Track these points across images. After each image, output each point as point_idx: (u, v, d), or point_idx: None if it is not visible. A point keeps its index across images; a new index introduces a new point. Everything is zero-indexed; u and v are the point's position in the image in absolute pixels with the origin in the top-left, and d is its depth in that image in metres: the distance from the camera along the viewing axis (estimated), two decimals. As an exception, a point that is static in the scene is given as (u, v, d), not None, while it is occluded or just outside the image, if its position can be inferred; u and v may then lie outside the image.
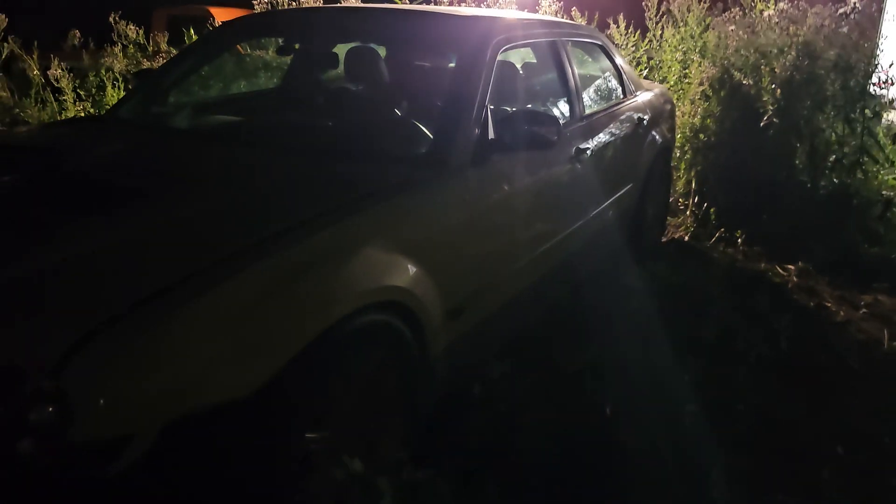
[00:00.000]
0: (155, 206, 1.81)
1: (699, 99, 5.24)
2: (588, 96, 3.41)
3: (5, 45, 5.67)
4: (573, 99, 3.10)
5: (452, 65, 3.00)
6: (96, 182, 1.98)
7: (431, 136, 2.36)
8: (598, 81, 3.73)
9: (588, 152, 3.02)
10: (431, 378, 2.08)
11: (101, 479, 1.34)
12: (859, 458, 2.37)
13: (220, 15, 8.31)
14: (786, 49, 4.93)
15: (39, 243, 1.61)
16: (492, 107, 2.48)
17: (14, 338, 1.36)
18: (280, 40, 3.64)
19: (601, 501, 2.06)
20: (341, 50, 3.15)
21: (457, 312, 2.15)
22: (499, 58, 2.61)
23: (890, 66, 4.70)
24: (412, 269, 1.92)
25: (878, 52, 4.78)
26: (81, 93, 5.51)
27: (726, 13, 5.60)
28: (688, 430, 2.38)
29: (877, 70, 4.75)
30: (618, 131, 3.46)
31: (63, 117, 5.39)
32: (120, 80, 5.57)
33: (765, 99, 4.81)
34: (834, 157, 4.85)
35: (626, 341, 2.76)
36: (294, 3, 5.89)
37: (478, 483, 1.97)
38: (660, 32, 6.10)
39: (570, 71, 3.13)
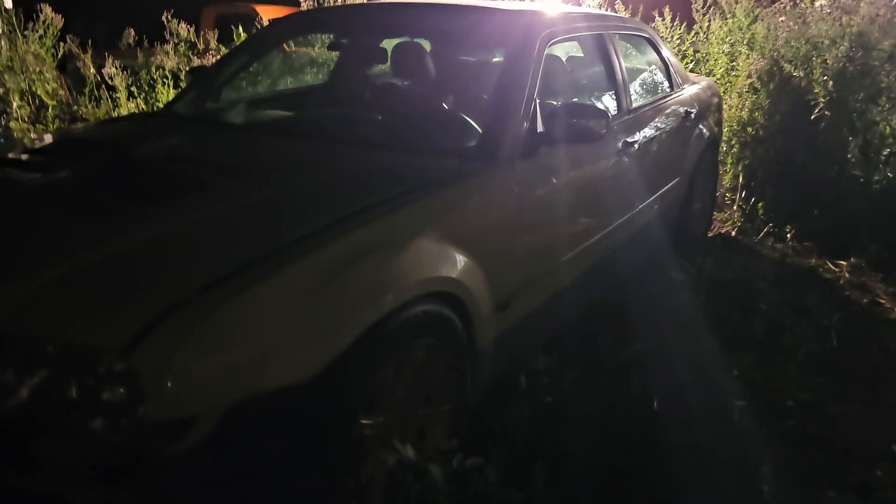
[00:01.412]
0: (216, 195, 1.87)
1: (747, 92, 5.16)
2: (635, 89, 3.39)
3: (62, 44, 5.86)
4: (620, 92, 3.09)
5: (497, 59, 3.03)
6: (159, 173, 2.06)
7: (480, 130, 2.38)
8: (645, 74, 3.71)
9: (635, 146, 3.01)
10: (479, 368, 2.11)
11: (167, 458, 1.40)
12: (913, 457, 2.33)
13: (266, 13, 8.43)
14: (838, 40, 4.82)
15: (109, 231, 1.68)
16: (539, 100, 2.49)
17: (89, 320, 1.42)
18: (328, 37, 3.69)
19: (647, 493, 2.06)
20: (388, 45, 3.19)
21: (505, 304, 2.17)
22: (546, 51, 2.62)
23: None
24: (463, 260, 1.95)
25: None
26: (134, 90, 5.66)
27: (775, 4, 5.49)
28: (736, 425, 2.36)
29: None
30: (664, 125, 3.44)
31: (116, 114, 5.54)
32: (170, 77, 5.70)
33: (816, 91, 4.71)
34: (888, 150, 4.72)
35: (672, 336, 2.75)
36: (340, 1, 5.96)
37: (525, 472, 1.99)
38: (706, 24, 6.01)
39: (616, 64, 3.12)
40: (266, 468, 1.51)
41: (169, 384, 1.35)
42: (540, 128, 2.37)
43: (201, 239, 1.67)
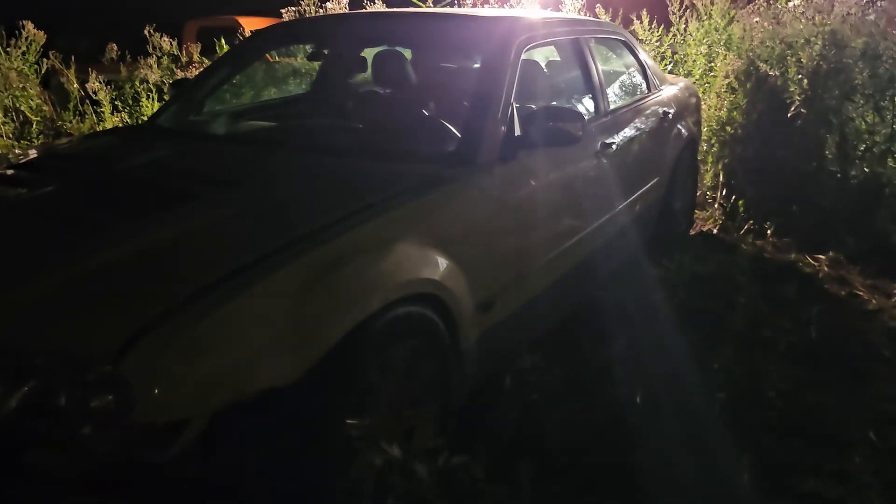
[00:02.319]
0: (200, 206, 1.91)
1: (725, 92, 5.24)
2: (612, 92, 3.46)
3: (45, 60, 5.88)
4: (597, 95, 3.14)
5: (478, 65, 3.08)
6: (143, 185, 2.09)
7: (459, 135, 2.43)
8: (622, 77, 3.77)
9: (613, 147, 3.07)
10: (464, 368, 2.15)
11: (156, 463, 1.43)
12: (892, 444, 2.38)
13: (249, 24, 8.47)
14: (812, 39, 4.90)
15: (94, 243, 1.71)
16: (517, 105, 2.54)
17: (77, 329, 1.45)
18: (309, 47, 3.74)
19: (631, 487, 2.10)
20: (369, 54, 3.24)
21: (487, 305, 2.22)
22: (523, 57, 2.68)
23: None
24: (444, 262, 1.99)
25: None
26: (119, 104, 5.68)
27: (751, 4, 5.58)
28: (717, 417, 2.41)
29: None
30: (642, 126, 3.50)
31: (101, 128, 5.56)
32: (154, 90, 5.73)
33: (792, 89, 4.79)
34: (864, 146, 4.81)
35: (655, 332, 2.80)
36: (321, 11, 6.01)
37: (510, 469, 2.03)
38: (683, 27, 6.10)
39: (593, 67, 3.18)
40: (255, 471, 1.54)
41: (157, 391, 1.39)
42: (517, 132, 2.42)
43: (186, 249, 1.71)
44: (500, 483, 1.91)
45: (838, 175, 4.76)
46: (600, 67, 3.29)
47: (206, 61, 5.98)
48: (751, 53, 5.18)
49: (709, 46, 5.88)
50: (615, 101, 3.38)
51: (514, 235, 2.36)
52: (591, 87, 3.15)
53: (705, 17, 6.02)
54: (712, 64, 5.75)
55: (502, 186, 2.31)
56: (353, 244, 1.79)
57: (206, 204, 1.93)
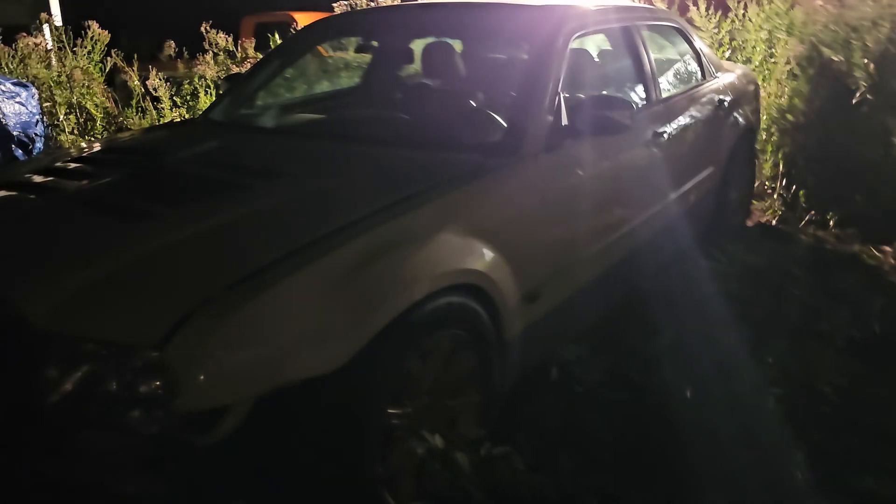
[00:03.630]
0: (246, 195, 1.95)
1: (786, 78, 5.07)
2: (665, 80, 3.38)
3: (109, 59, 6.08)
4: (649, 83, 3.08)
5: (526, 55, 3.05)
6: (191, 177, 2.15)
7: (504, 125, 2.41)
8: (676, 65, 3.68)
9: (665, 136, 3.01)
10: (508, 359, 2.14)
11: (200, 448, 1.47)
12: (955, 442, 2.28)
13: (303, 20, 8.58)
14: (879, 21, 4.70)
15: (144, 230, 1.77)
16: (566, 95, 2.52)
17: (125, 315, 1.51)
18: (358, 40, 3.77)
19: (678, 480, 2.07)
20: (418, 46, 3.24)
21: (532, 296, 2.20)
22: (572, 45, 2.64)
23: None
24: (488, 253, 1.99)
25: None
26: (177, 100, 5.84)
27: (814, -13, 5.38)
28: (770, 411, 2.34)
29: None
30: (697, 114, 3.42)
31: (161, 123, 5.73)
32: (212, 86, 5.87)
33: (857, 75, 4.60)
34: (934, 133, 4.60)
35: (705, 325, 2.73)
36: (372, 4, 6.05)
37: (553, 461, 2.02)
38: (742, 12, 5.92)
39: (644, 55, 3.11)
40: (295, 457, 1.57)
41: (201, 377, 1.43)
42: (564, 121, 2.40)
43: (232, 237, 1.75)
44: (542, 475, 1.90)
45: (906, 164, 4.57)
46: (652, 55, 3.22)
47: (261, 57, 6.09)
48: (813, 38, 4.99)
49: (769, 32, 5.69)
50: (668, 90, 3.31)
51: (560, 226, 2.34)
52: (643, 76, 3.09)
53: (766, 2, 5.82)
54: (773, 50, 5.57)
55: (547, 176, 2.29)
56: (397, 233, 1.81)
57: (251, 193, 1.97)
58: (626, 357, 2.66)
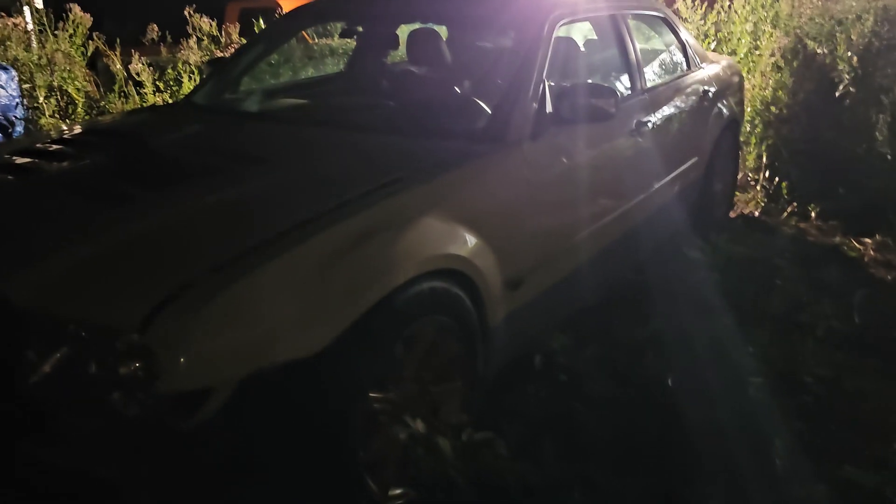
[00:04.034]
0: (229, 180, 1.93)
1: (770, 70, 5.09)
2: (650, 69, 3.38)
3: (91, 42, 5.99)
4: (634, 72, 3.08)
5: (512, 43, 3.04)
6: (175, 160, 2.13)
7: (489, 112, 2.40)
8: (661, 55, 3.68)
9: (649, 125, 3.01)
10: (492, 346, 2.14)
11: (183, 431, 1.46)
12: (933, 431, 2.30)
13: (288, 5, 8.50)
14: (863, 15, 4.73)
15: (125, 215, 1.75)
16: (552, 83, 2.51)
17: (105, 299, 1.49)
18: (342, 25, 3.74)
19: (660, 468, 2.08)
20: (404, 31, 3.22)
21: (516, 283, 2.20)
22: (558, 34, 2.63)
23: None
24: (471, 239, 1.98)
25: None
26: (160, 85, 5.77)
27: (799, -20, 5.40)
28: (752, 401, 2.36)
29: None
30: (681, 104, 3.42)
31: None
32: (195, 71, 5.80)
33: (841, 68, 4.63)
34: (917, 127, 4.64)
35: (688, 314, 2.75)
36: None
37: (536, 447, 2.02)
38: (728, 4, 5.93)
39: (630, 44, 3.11)
40: (279, 441, 1.56)
41: (182, 359, 1.41)
42: (549, 108, 2.39)
43: (215, 221, 1.74)
44: (525, 461, 1.90)
45: (888, 156, 4.59)
46: (638, 45, 3.22)
47: (245, 42, 6.03)
48: (798, 31, 5.02)
49: (754, 24, 5.71)
50: (653, 79, 3.30)
51: (545, 213, 2.33)
52: (628, 65, 3.09)
53: (751, -6, 5.84)
54: (758, 42, 5.58)
55: (532, 163, 2.28)
56: (380, 218, 1.80)
57: (234, 178, 1.95)
58: (611, 346, 2.67)
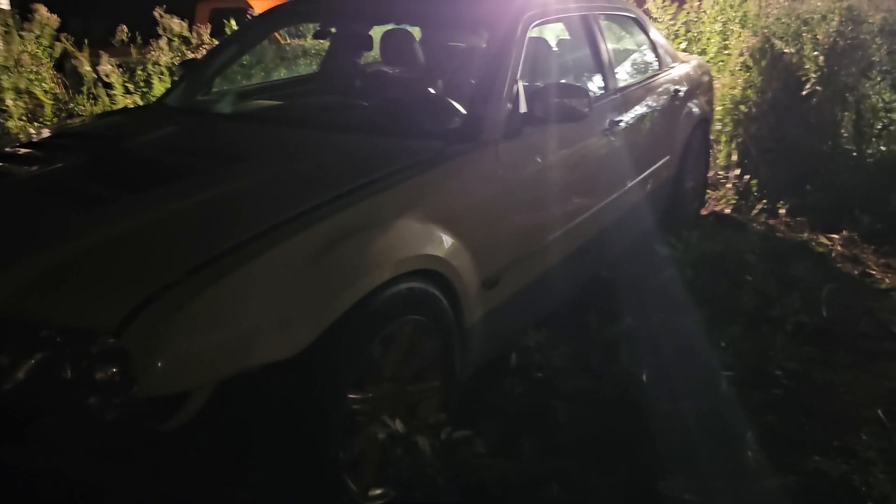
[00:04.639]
0: (204, 182, 1.92)
1: (739, 70, 5.17)
2: (622, 69, 3.43)
3: (58, 43, 5.90)
4: (606, 72, 3.12)
5: (485, 43, 3.06)
6: (149, 162, 2.11)
7: (464, 112, 2.42)
8: (633, 55, 3.73)
9: (622, 124, 3.05)
10: (469, 345, 2.15)
11: (161, 434, 1.45)
12: (900, 421, 2.37)
13: (259, 5, 8.44)
14: (829, 15, 4.84)
15: (100, 218, 1.73)
16: (525, 83, 2.53)
17: (81, 303, 1.48)
18: (315, 26, 3.73)
19: (636, 462, 2.11)
20: (378, 32, 3.22)
21: (492, 282, 2.22)
22: (531, 34, 2.66)
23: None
24: (447, 239, 2.00)
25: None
26: (130, 86, 5.70)
27: (767, -19, 5.49)
28: (723, 395, 2.40)
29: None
30: (653, 104, 3.47)
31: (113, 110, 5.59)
32: (166, 73, 5.74)
33: (807, 67, 4.73)
34: (881, 124, 4.74)
35: (662, 310, 2.79)
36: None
37: (514, 444, 2.04)
38: (697, 3, 6.01)
39: (602, 45, 3.15)
40: (258, 442, 1.56)
41: (159, 362, 1.40)
42: (523, 109, 2.41)
43: (190, 224, 1.73)
44: (503, 458, 1.92)
45: (854, 153, 4.71)
46: (610, 45, 3.26)
47: (217, 42, 5.98)
48: (766, 30, 5.11)
49: (723, 24, 5.80)
50: (625, 79, 3.35)
51: (520, 213, 2.36)
52: (600, 65, 3.12)
53: (720, -6, 5.93)
54: (727, 42, 5.67)
55: (507, 163, 2.30)
56: (357, 219, 1.80)
57: (211, 179, 1.94)
58: (586, 343, 2.70)
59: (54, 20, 5.92)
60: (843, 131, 4.77)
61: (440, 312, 1.99)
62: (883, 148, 4.67)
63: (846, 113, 4.74)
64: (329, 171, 2.04)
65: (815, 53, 4.68)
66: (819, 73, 4.66)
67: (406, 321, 1.89)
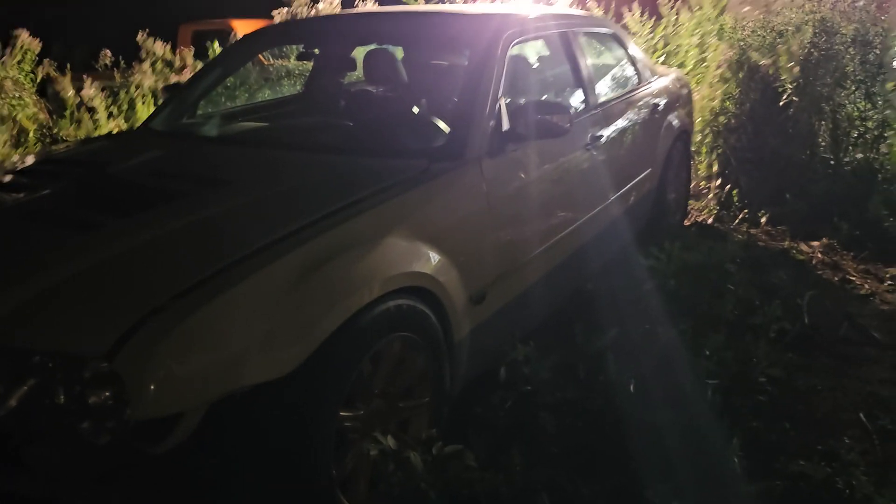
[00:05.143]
0: (192, 206, 1.94)
1: (718, 82, 5.26)
2: (602, 85, 3.49)
3: (41, 68, 5.91)
4: (586, 88, 3.17)
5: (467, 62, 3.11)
6: (136, 187, 2.13)
7: (447, 131, 2.46)
8: (612, 70, 3.80)
9: (603, 139, 3.10)
10: (458, 360, 2.18)
11: (154, 457, 1.47)
12: (881, 424, 2.41)
13: (242, 27, 8.49)
14: (802, 27, 4.93)
15: (89, 244, 1.75)
16: (508, 100, 2.58)
17: (73, 327, 1.49)
18: (299, 48, 3.77)
19: (624, 470, 2.14)
20: (360, 53, 3.27)
21: (479, 297, 2.25)
22: (512, 52, 2.71)
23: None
24: (434, 256, 2.03)
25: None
26: (114, 110, 5.71)
27: (741, -6, 5.61)
28: (708, 402, 2.44)
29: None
30: (633, 117, 3.53)
31: (97, 134, 5.59)
32: (149, 96, 5.76)
33: (783, 78, 4.81)
34: (856, 132, 4.84)
35: (647, 321, 2.83)
36: (313, 12, 6.04)
37: (503, 455, 2.07)
38: (674, 17, 6.12)
39: (581, 61, 3.20)
40: (251, 462, 1.58)
41: (151, 386, 1.42)
42: (506, 126, 2.45)
43: (178, 246, 1.75)
44: (494, 470, 1.94)
45: (831, 162, 4.79)
46: (589, 61, 3.32)
47: (200, 65, 6.01)
48: (742, 43, 5.20)
49: (701, 37, 5.90)
50: (605, 94, 3.41)
51: (505, 228, 2.39)
52: (580, 81, 3.18)
53: (696, 8, 6.04)
54: (705, 54, 5.77)
55: (491, 180, 2.34)
56: (344, 239, 1.83)
57: (198, 203, 1.96)
58: (573, 355, 2.73)
59: (36, 45, 5.94)
60: (820, 140, 4.85)
61: (428, 329, 2.01)
62: (859, 156, 4.76)
63: (822, 122, 4.83)
64: (314, 192, 2.07)
65: (791, 65, 4.77)
66: (795, 84, 4.75)
67: (395, 338, 1.91)
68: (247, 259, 1.66)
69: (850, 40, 4.79)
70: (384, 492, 1.84)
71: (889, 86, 4.76)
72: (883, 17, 4.86)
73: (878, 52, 4.76)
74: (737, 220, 4.54)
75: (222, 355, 1.51)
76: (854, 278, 3.68)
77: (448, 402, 2.19)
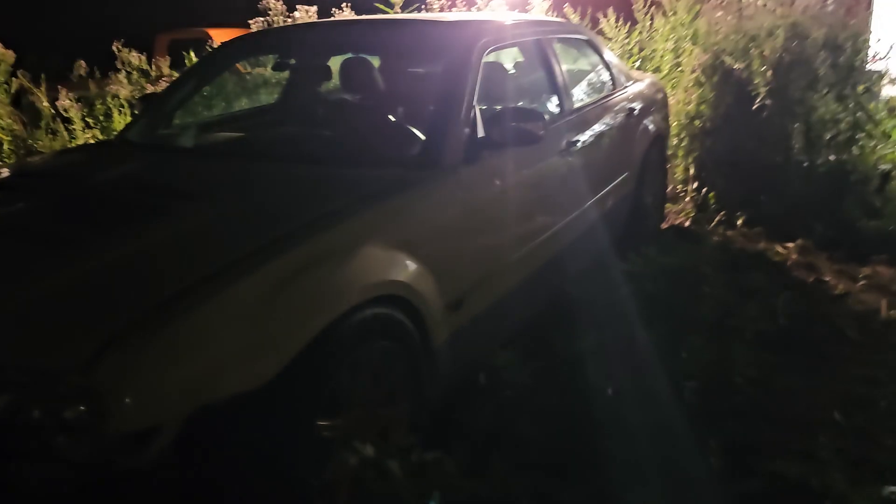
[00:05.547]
0: (168, 217, 1.94)
1: (693, 86, 5.31)
2: (577, 91, 3.52)
3: (14, 79, 5.85)
4: (561, 94, 3.20)
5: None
6: (112, 200, 2.12)
7: (423, 139, 2.47)
8: (588, 76, 3.83)
9: (579, 145, 3.13)
10: (436, 367, 2.19)
11: (132, 469, 1.46)
12: (856, 422, 2.45)
13: (219, 36, 8.47)
14: (775, 31, 5.01)
15: (66, 256, 1.74)
16: (483, 107, 2.59)
17: (48, 341, 1.48)
18: (275, 57, 3.77)
19: (605, 474, 2.15)
20: (336, 62, 3.27)
21: (457, 305, 2.26)
22: (487, 59, 2.73)
23: (878, 41, 4.79)
24: (410, 264, 2.04)
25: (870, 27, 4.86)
26: (90, 121, 5.67)
27: (715, -1, 5.67)
28: (687, 404, 2.47)
29: (868, 46, 4.83)
30: (609, 122, 3.56)
31: (73, 145, 5.55)
32: (126, 106, 5.72)
33: (757, 81, 4.88)
34: (829, 135, 4.91)
35: (624, 325, 2.86)
36: (289, 21, 6.03)
37: (484, 462, 2.08)
38: (649, 23, 6.18)
39: (556, 67, 3.23)
40: (231, 472, 1.58)
41: (128, 399, 1.42)
42: (481, 133, 2.47)
43: (155, 259, 1.74)
44: (474, 477, 1.95)
45: (805, 164, 4.85)
46: (564, 67, 3.35)
47: (176, 74, 5.99)
48: (716, 47, 5.26)
49: (675, 42, 5.97)
50: (580, 100, 3.44)
51: (481, 235, 2.41)
52: (555, 87, 3.21)
53: (671, 13, 6.10)
54: (679, 59, 5.83)
55: (467, 187, 2.36)
56: (320, 249, 1.83)
57: (175, 215, 1.96)
58: (552, 360, 2.75)
59: (10, 56, 5.88)
60: (794, 143, 4.92)
61: (406, 336, 2.02)
62: (832, 158, 4.82)
63: (796, 125, 4.89)
64: (292, 202, 2.07)
65: (764, 68, 4.84)
66: (768, 88, 4.82)
67: (373, 347, 1.92)
68: (223, 271, 1.66)
69: (821, 44, 4.86)
70: (364, 500, 1.84)
71: (860, 88, 4.84)
72: (852, 22, 4.95)
73: (847, 56, 4.83)
74: (713, 223, 4.58)
75: (200, 366, 1.51)
76: (828, 278, 3.73)
77: (428, 409, 2.19)
